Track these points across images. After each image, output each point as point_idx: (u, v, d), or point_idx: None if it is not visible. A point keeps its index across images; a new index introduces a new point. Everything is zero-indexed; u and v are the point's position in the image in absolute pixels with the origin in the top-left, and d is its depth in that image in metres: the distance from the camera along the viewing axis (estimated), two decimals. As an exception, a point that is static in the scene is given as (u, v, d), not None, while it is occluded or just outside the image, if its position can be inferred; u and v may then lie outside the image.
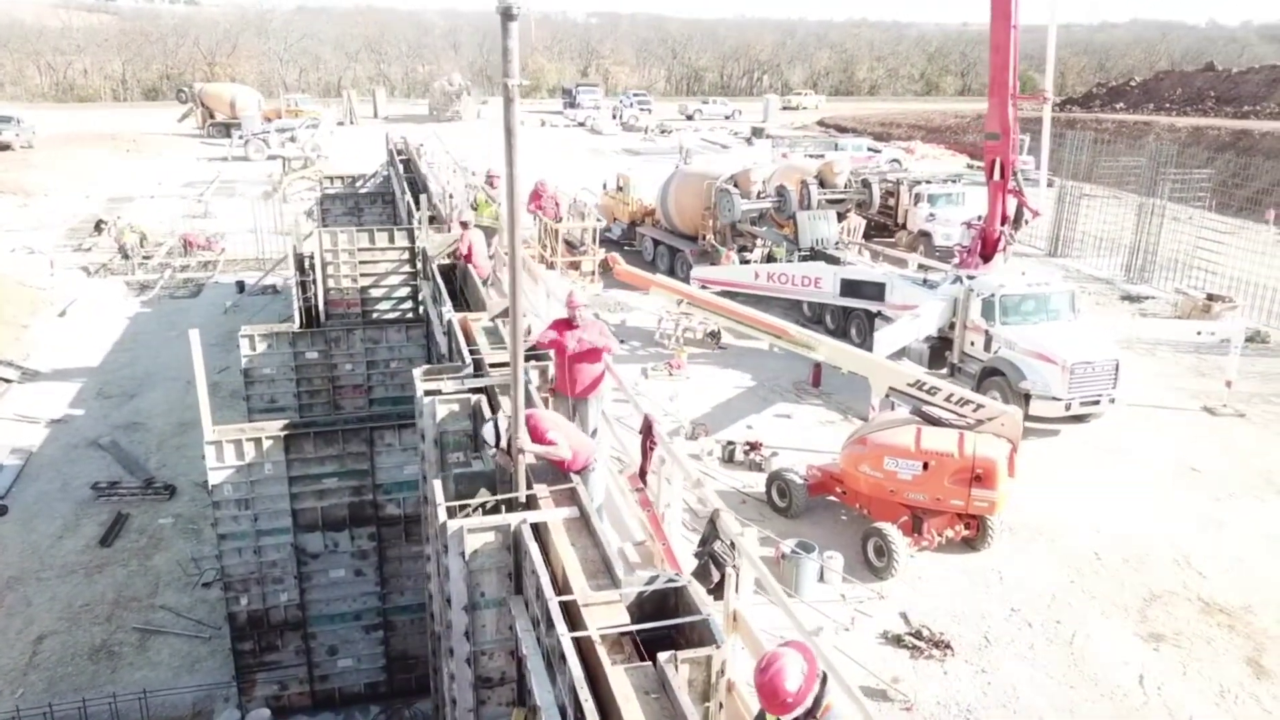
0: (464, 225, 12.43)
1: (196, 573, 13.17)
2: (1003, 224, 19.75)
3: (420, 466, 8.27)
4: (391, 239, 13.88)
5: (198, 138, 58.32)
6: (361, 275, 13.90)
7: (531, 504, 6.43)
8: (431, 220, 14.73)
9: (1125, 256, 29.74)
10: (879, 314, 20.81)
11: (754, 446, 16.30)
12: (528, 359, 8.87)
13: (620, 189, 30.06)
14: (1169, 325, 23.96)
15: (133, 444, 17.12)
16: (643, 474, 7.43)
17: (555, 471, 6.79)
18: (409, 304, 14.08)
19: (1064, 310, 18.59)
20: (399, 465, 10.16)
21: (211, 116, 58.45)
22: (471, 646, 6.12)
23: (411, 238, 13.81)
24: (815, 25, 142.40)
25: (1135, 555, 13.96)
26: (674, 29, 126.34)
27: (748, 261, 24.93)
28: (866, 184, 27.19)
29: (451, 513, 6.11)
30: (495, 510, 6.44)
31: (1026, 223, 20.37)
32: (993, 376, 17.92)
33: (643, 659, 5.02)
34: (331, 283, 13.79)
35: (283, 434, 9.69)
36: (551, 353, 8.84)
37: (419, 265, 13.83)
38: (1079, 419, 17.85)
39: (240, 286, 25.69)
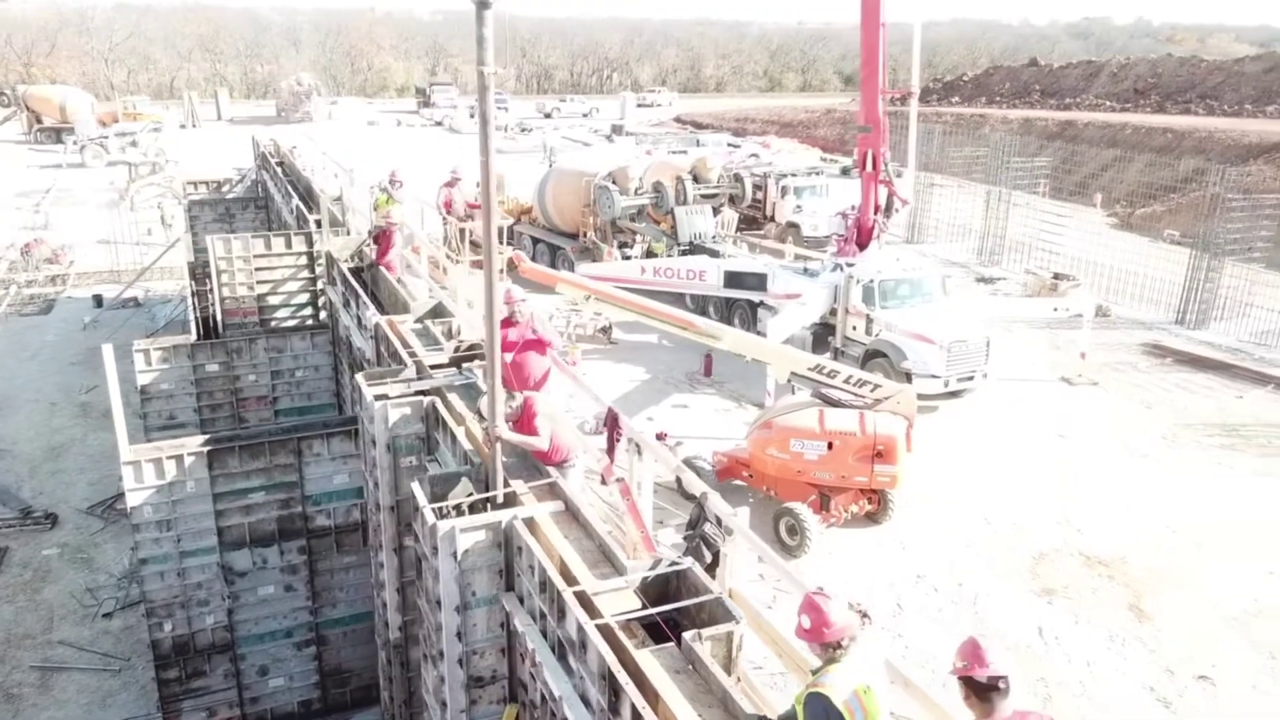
0: (390, 226, 12.16)
1: (94, 603, 12.45)
2: (875, 213, 20.73)
3: (370, 474, 8.14)
4: (289, 244, 13.41)
5: (24, 144, 54.29)
6: (258, 283, 13.39)
7: (511, 500, 6.47)
8: (319, 223, 14.32)
9: (976, 241, 31.63)
10: (761, 304, 21.47)
11: (659, 437, 16.57)
12: (466, 360, 8.87)
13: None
14: (1026, 303, 25.70)
15: (1, 472, 15.96)
16: (611, 462, 7.57)
17: (531, 466, 6.84)
18: (309, 310, 13.65)
19: (936, 293, 19.67)
20: (328, 475, 9.92)
21: (39, 121, 54.48)
22: (464, 647, 6.12)
23: (310, 242, 13.39)
24: (661, 24, 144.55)
25: (1020, 518, 14.97)
26: (523, 27, 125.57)
27: (629, 257, 25.27)
28: (738, 178, 27.94)
29: (437, 514, 6.09)
30: (475, 509, 6.44)
31: (896, 211, 21.40)
32: (875, 358, 18.77)
33: (657, 643, 5.18)
34: (226, 291, 13.23)
35: (205, 450, 9.32)
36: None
37: (321, 269, 13.44)
38: (955, 394, 18.92)
39: (98, 300, 24.19)
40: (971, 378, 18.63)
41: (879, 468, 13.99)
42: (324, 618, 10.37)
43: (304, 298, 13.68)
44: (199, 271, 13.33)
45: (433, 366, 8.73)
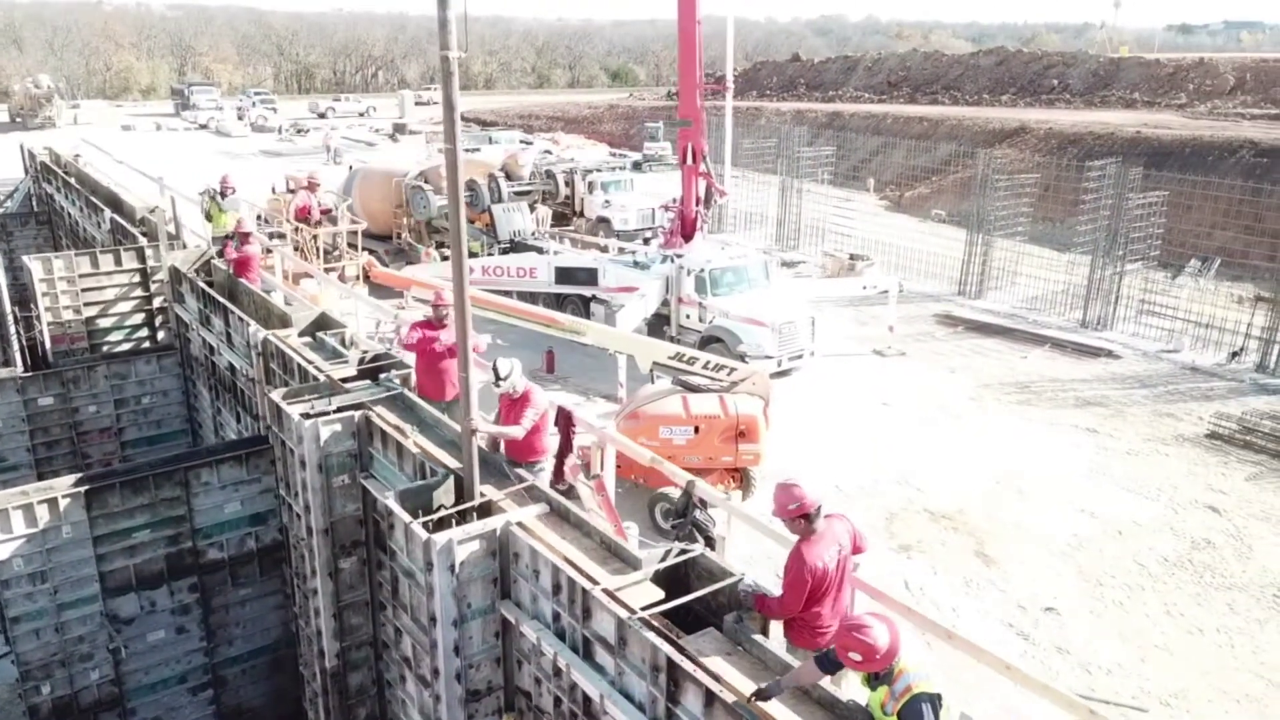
0: (245, 236, 11.35)
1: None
2: (697, 204, 21.45)
3: (295, 499, 7.69)
4: (118, 260, 12.20)
5: None
6: (85, 305, 12.10)
7: (490, 508, 6.36)
8: (147, 235, 13.18)
9: (773, 228, 33.29)
10: (593, 298, 21.71)
11: (518, 437, 16.48)
12: (380, 371, 8.57)
13: (292, 191, 28.33)
14: (827, 284, 27.35)
15: None
16: (561, 462, 7.56)
17: (496, 474, 6.74)
18: (145, 331, 12.49)
19: (761, 278, 20.66)
20: (219, 505, 9.26)
21: None
22: (461, 661, 5.98)
23: (142, 257, 12.25)
24: (422, 19, 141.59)
25: (867, 482, 16.05)
26: (277, 23, 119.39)
27: (447, 258, 24.83)
28: (550, 175, 28.05)
29: (429, 527, 5.92)
30: (448, 521, 6.28)
31: (715, 202, 22.23)
32: (711, 344, 19.46)
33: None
34: (50, 316, 11.87)
35: (82, 490, 8.47)
36: (412, 356, 8.58)
37: (157, 286, 12.35)
38: (784, 373, 19.93)
39: None
40: (800, 356, 19.73)
41: (743, 447, 14.59)
42: (220, 657, 9.69)
43: (139, 318, 12.46)
44: (16, 297, 11.89)
45: (342, 380, 8.36)
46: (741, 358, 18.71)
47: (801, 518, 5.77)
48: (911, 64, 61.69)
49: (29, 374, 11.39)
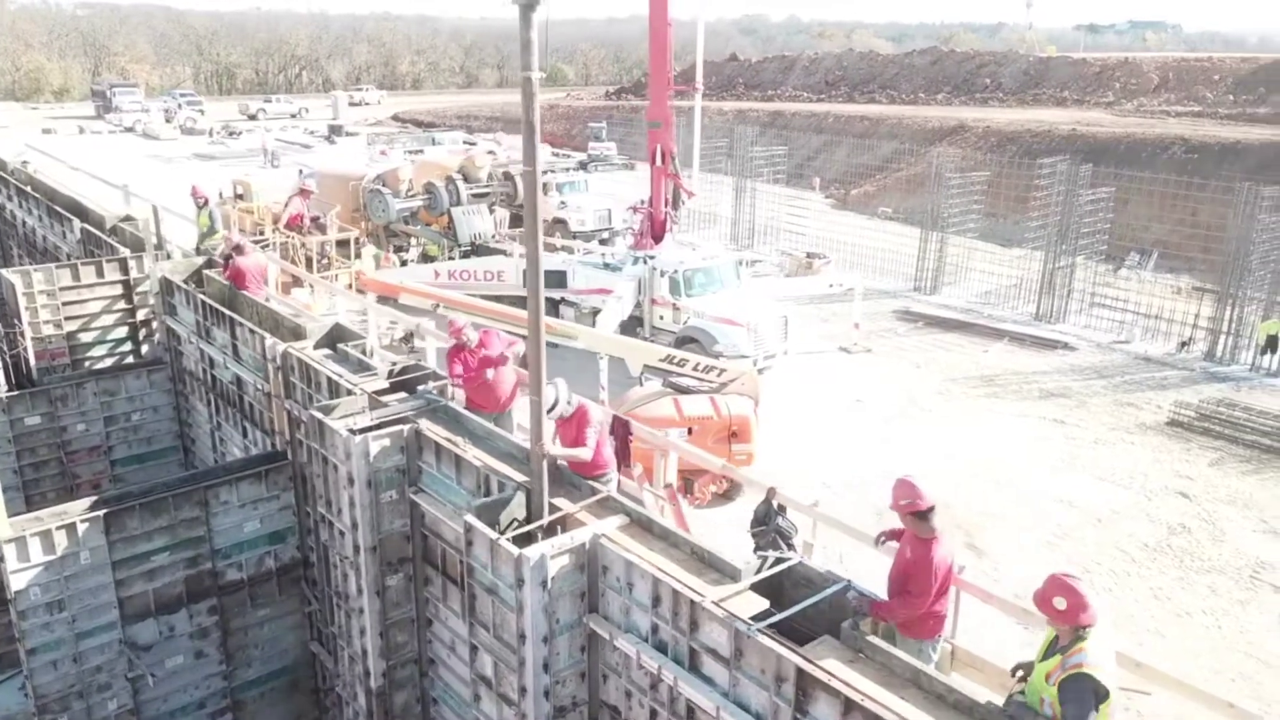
0: (238, 249, 10.99)
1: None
2: (665, 205, 21.45)
3: (339, 516, 7.47)
4: (100, 272, 11.66)
5: None
6: (66, 319, 11.54)
7: (568, 522, 6.27)
8: (126, 245, 12.65)
9: (728, 227, 33.46)
10: (563, 300, 21.54)
11: (504, 443, 16.29)
12: (416, 383, 8.39)
13: (240, 196, 27.55)
14: (787, 282, 27.61)
15: None
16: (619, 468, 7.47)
17: (565, 484, 6.64)
18: (129, 345, 11.97)
19: (732, 278, 20.75)
20: (238, 524, 8.98)
21: None
22: (549, 678, 5.89)
23: (125, 268, 11.75)
24: (347, 19, 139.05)
25: (852, 478, 16.23)
26: (195, 22, 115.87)
27: (406, 262, 24.46)
28: (509, 176, 27.74)
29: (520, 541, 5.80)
30: (530, 537, 6.18)
31: (683, 203, 22.26)
32: (686, 344, 19.46)
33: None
34: (32, 332, 11.28)
35: (100, 513, 8.12)
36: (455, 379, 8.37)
37: (140, 299, 11.85)
38: (759, 371, 20.03)
39: None
40: (774, 355, 19.85)
41: (736, 447, 14.65)
42: (239, 680, 9.38)
43: (122, 331, 11.91)
44: (-1, 312, 11.31)
45: (377, 393, 8.15)
46: (717, 358, 18.77)
47: (916, 515, 5.99)
48: (848, 63, 62.69)
49: (15, 393, 10.85)
